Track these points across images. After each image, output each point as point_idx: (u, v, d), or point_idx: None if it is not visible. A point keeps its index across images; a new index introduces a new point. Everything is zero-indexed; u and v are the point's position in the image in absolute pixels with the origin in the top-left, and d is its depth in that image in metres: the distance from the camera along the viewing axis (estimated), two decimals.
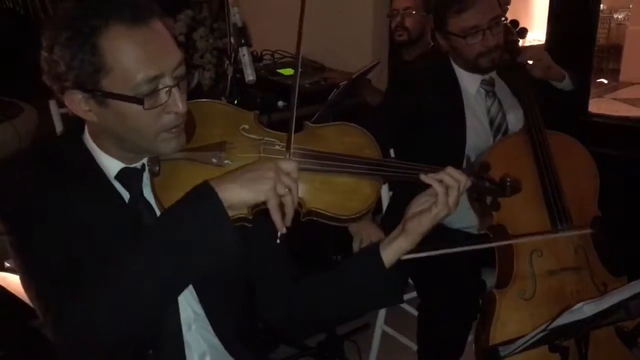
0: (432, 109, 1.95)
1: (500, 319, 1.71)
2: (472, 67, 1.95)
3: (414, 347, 2.04)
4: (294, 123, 1.16)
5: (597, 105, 7.19)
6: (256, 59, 3.25)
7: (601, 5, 9.70)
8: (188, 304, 1.22)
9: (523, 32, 2.01)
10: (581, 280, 1.74)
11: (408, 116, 1.97)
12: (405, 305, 2.26)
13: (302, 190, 1.13)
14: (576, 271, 1.76)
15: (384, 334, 2.41)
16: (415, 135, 1.97)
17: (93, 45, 0.99)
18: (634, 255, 1.68)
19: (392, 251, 1.22)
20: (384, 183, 1.24)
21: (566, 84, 2.01)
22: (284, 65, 3.16)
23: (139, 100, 1.02)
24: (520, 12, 7.48)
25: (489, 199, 1.40)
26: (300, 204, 1.15)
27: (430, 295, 1.94)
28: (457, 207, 1.19)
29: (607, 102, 7.29)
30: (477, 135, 1.97)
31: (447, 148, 1.92)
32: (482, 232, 1.86)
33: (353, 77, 2.35)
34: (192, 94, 1.16)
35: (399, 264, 1.22)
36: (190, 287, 1.17)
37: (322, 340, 2.44)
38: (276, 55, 3.27)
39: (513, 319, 1.70)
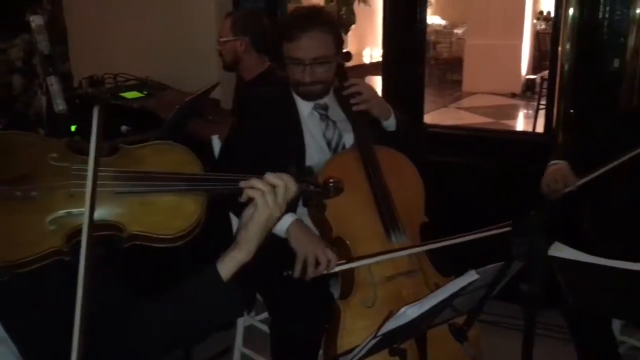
0: (273, 132, 1.97)
1: (346, 329, 1.75)
2: (297, 93, 2.01)
3: None
4: (94, 147, 1.09)
5: (443, 114, 7.78)
6: (97, 82, 3.13)
7: (443, 22, 10.40)
8: None
9: (347, 56, 2.06)
10: (416, 282, 1.84)
11: (255, 143, 1.98)
12: (261, 325, 2.25)
13: (120, 215, 1.10)
14: (411, 275, 1.85)
15: (243, 356, 2.39)
16: (262, 159, 1.97)
17: None
18: (461, 255, 1.80)
19: (229, 264, 1.21)
20: (209, 197, 1.23)
21: (390, 123, 2.03)
22: (128, 89, 3.06)
23: None
24: (367, 30, 7.90)
25: (316, 202, 1.47)
26: (120, 229, 1.11)
27: (279, 311, 1.95)
28: (280, 208, 1.22)
29: (452, 111, 7.87)
30: (318, 155, 2.02)
31: (290, 170, 1.95)
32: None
33: (187, 99, 2.32)
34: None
35: (240, 276, 1.22)
36: None
37: None
38: (119, 79, 3.16)
39: (358, 328, 1.75)
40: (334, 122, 2.06)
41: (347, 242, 1.86)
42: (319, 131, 2.05)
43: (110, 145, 1.20)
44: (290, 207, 1.54)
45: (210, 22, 3.25)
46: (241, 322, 2.33)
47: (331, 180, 1.40)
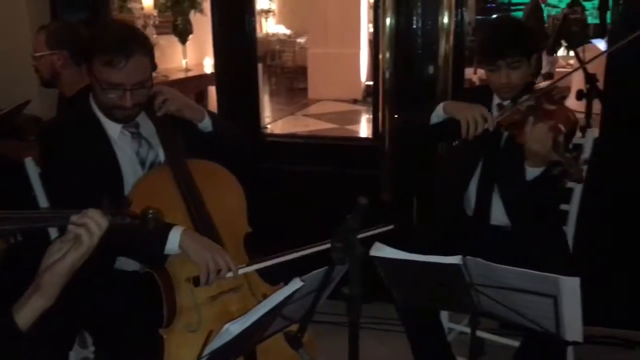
0: (84, 163, 1.82)
1: (172, 358, 1.66)
2: (108, 116, 1.88)
3: None
4: None
5: (291, 122, 7.93)
6: None
7: (288, 31, 10.56)
8: None
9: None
10: (243, 297, 1.79)
11: (68, 176, 1.82)
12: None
13: None
14: (236, 290, 1.80)
15: None
16: (79, 192, 1.82)
17: None
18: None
19: (28, 312, 1.11)
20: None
21: (205, 124, 1.99)
22: None
23: None
24: (207, 39, 7.82)
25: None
26: None
27: (103, 345, 1.83)
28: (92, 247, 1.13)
29: (299, 119, 8.04)
30: (134, 176, 1.91)
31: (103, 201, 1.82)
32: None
33: None
34: None
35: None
36: None
37: None
38: None
39: (184, 354, 1.66)
40: (147, 139, 1.95)
41: (165, 265, 1.76)
42: (131, 152, 1.94)
43: None
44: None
45: (25, 37, 3.00)
46: (73, 356, 2.16)
47: (150, 212, 1.34)
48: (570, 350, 2.24)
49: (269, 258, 1.76)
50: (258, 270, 1.83)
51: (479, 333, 2.32)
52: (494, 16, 11.24)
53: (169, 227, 1.70)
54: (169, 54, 5.91)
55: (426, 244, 2.03)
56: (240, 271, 1.74)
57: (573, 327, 1.49)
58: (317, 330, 1.91)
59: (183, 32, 5.46)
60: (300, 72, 9.88)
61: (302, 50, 10.22)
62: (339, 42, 8.37)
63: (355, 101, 8.83)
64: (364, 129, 7.58)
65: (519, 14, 10.51)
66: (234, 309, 1.75)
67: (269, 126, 7.29)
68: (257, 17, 12.54)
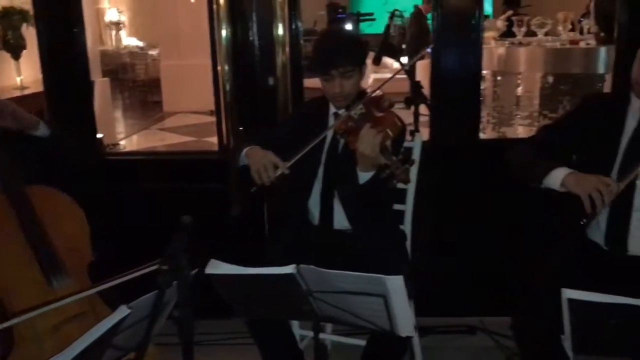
0: None
1: None
2: None
3: None
4: None
5: (145, 137, 7.64)
6: None
7: (140, 43, 10.16)
8: None
9: None
10: (89, 323, 1.69)
11: None
12: None
13: None
14: (81, 317, 1.73)
15: None
16: None
17: None
18: None
19: None
20: None
21: (42, 130, 1.96)
22: None
23: None
24: None
25: None
26: None
27: None
28: None
29: (154, 133, 7.77)
30: None
31: None
32: None
33: None
34: None
35: None
36: None
37: None
38: None
39: None
40: None
41: (7, 301, 1.65)
42: None
43: None
44: None
45: None
46: None
47: None
48: (416, 341, 2.36)
49: (98, 284, 1.67)
50: (103, 296, 1.77)
51: (328, 336, 2.38)
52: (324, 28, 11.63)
53: None
54: (1, 70, 5.46)
55: (278, 256, 2.05)
56: None
57: (405, 323, 1.56)
58: (164, 352, 1.85)
59: (15, 48, 5.05)
60: (154, 85, 9.58)
61: (155, 62, 9.92)
62: (192, 53, 8.20)
63: (212, 112, 8.66)
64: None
65: (367, 24, 11.04)
66: (78, 337, 1.64)
67: (122, 142, 6.98)
68: (107, 30, 12.01)
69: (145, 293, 1.44)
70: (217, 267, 1.57)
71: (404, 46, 8.64)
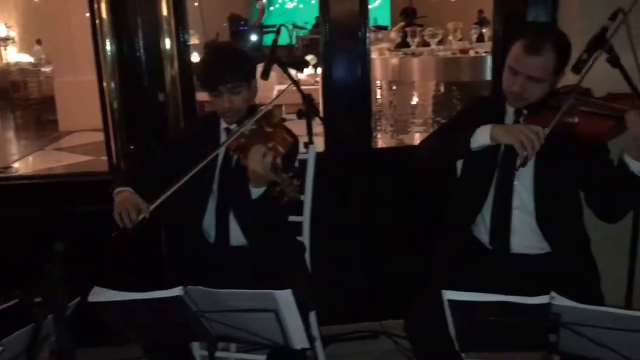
0: None
1: None
2: None
3: None
4: None
5: (40, 158, 7.25)
6: None
7: (32, 59, 9.64)
8: None
9: None
10: None
11: None
12: None
13: None
14: None
15: None
16: None
17: None
18: None
19: None
20: None
21: None
22: None
23: None
24: None
25: None
26: None
27: None
28: None
29: (49, 153, 7.39)
30: None
31: None
32: None
33: None
34: None
35: None
36: None
37: None
38: None
39: None
40: None
41: None
42: None
43: None
44: None
45: None
46: None
47: None
48: (320, 351, 2.38)
49: None
50: None
51: (228, 354, 2.35)
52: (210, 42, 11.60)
53: None
54: None
55: (176, 277, 1.99)
56: None
57: (298, 336, 1.56)
58: None
59: None
60: (48, 103, 9.11)
61: (48, 79, 9.44)
62: (88, 69, 7.85)
63: None
64: None
65: (271, 37, 11.06)
66: None
67: (16, 164, 6.57)
68: None
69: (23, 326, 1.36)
70: (100, 295, 1.51)
71: (310, 57, 8.77)
